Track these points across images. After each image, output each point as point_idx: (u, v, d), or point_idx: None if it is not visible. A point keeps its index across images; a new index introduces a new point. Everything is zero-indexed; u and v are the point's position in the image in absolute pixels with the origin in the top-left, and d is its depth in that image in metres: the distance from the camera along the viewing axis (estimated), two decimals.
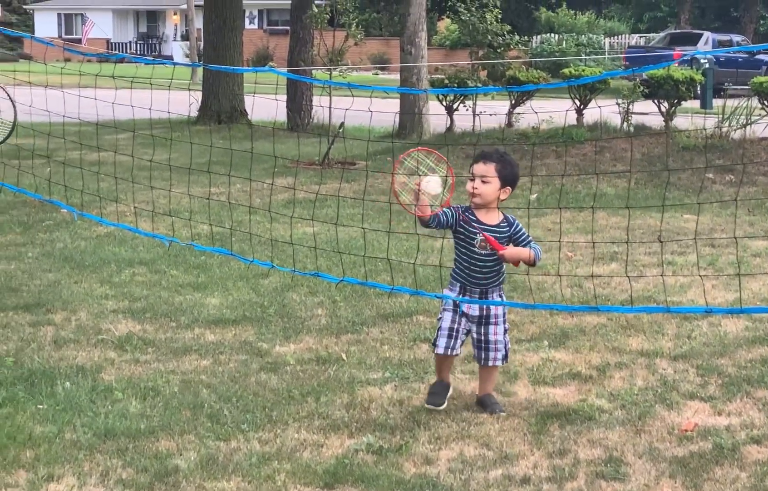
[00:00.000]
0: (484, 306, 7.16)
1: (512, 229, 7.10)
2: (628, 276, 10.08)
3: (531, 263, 7.11)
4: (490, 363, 7.21)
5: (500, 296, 7.26)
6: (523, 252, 7.05)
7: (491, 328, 7.18)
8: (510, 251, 7.05)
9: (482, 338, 7.19)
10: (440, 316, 7.29)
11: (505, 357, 7.29)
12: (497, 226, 7.08)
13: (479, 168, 7.06)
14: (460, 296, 7.15)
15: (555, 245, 11.11)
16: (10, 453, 6.29)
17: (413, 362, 8.20)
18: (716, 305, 9.71)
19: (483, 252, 7.07)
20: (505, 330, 7.28)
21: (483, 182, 7.03)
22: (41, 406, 7.07)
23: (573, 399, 7.42)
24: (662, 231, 12.83)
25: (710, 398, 7.42)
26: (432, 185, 6.99)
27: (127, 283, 10.62)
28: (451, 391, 7.34)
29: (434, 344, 7.24)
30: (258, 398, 7.35)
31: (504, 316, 7.26)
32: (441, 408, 7.15)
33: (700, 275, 10.26)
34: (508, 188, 7.08)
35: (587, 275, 10.60)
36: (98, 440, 6.54)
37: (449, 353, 7.18)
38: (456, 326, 7.17)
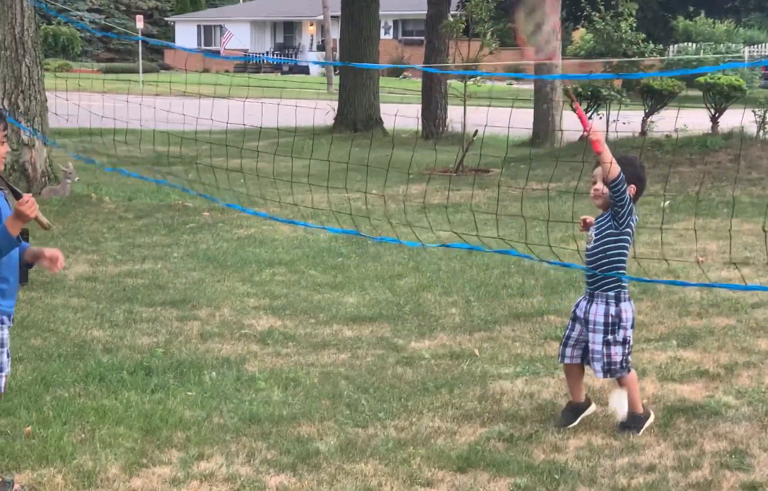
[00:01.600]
0: (586, 309, 6.97)
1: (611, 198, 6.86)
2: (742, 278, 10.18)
3: (608, 175, 6.70)
4: (596, 375, 7.02)
5: (606, 304, 6.88)
6: (605, 150, 6.70)
7: (590, 335, 6.96)
8: (594, 129, 6.81)
9: (589, 345, 7.02)
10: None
11: (608, 371, 6.92)
12: (599, 217, 6.99)
13: (599, 171, 6.88)
14: (586, 297, 7.03)
15: (686, 250, 11.26)
16: (163, 433, 6.72)
17: (544, 359, 8.46)
18: None
19: (589, 246, 7.02)
20: (607, 342, 6.87)
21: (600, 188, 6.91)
22: (190, 393, 7.51)
23: (700, 395, 7.61)
24: None
25: None
26: None
27: (268, 282, 11.06)
28: (591, 410, 7.16)
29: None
30: (394, 389, 7.69)
31: (608, 327, 6.87)
32: (568, 427, 6.98)
33: None
34: (632, 185, 6.87)
35: (718, 278, 10.73)
36: (243, 424, 6.95)
37: (561, 360, 7.15)
38: (570, 333, 7.09)
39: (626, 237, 6.92)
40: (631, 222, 6.88)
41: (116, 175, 16.84)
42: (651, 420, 6.99)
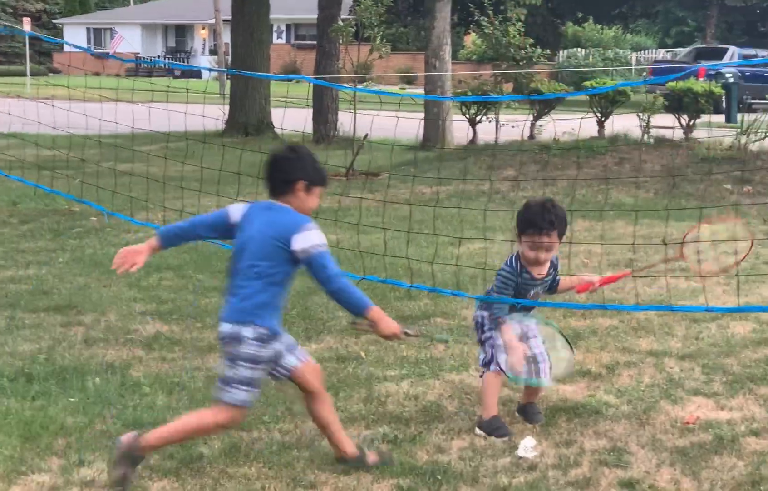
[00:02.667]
0: (525, 324, 7.11)
1: (556, 272, 7.23)
2: (633, 276, 10.35)
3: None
4: (549, 377, 7.09)
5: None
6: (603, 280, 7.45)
7: (533, 341, 7.10)
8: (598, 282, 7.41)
9: (530, 354, 7.07)
10: (487, 335, 7.13)
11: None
12: (546, 277, 7.13)
13: (545, 240, 6.90)
14: (524, 319, 7.13)
15: (572, 252, 11.39)
16: (43, 441, 6.65)
17: (429, 361, 8.53)
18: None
19: (533, 300, 7.23)
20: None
21: (548, 250, 6.98)
22: (72, 399, 7.43)
23: (582, 394, 7.74)
24: (675, 239, 13.08)
25: (714, 394, 7.72)
26: None
27: (155, 287, 10.98)
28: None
29: (489, 364, 7.08)
30: (279, 393, 7.67)
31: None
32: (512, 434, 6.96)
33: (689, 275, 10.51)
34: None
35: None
36: (127, 429, 6.85)
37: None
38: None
39: None
40: None
41: (0, 179, 16.54)
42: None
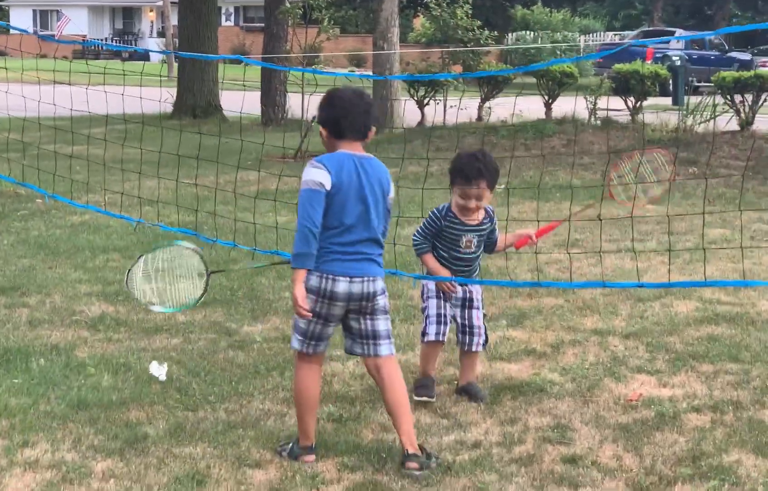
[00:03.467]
0: (468, 290, 7.32)
1: (492, 224, 7.30)
2: (569, 253, 10.42)
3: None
4: (474, 348, 7.31)
5: (480, 286, 7.45)
6: (540, 231, 7.51)
7: (474, 313, 7.32)
8: (535, 233, 7.45)
9: (466, 322, 7.33)
10: (425, 305, 7.37)
11: (485, 342, 7.42)
12: (480, 224, 7.23)
13: (473, 191, 7.03)
14: (456, 287, 7.28)
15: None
16: None
17: None
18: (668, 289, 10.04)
19: (469, 251, 7.26)
20: (484, 316, 7.44)
21: (479, 200, 7.08)
22: (16, 381, 7.38)
23: (526, 373, 7.79)
24: (623, 220, 13.18)
25: (657, 371, 7.81)
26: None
27: (101, 268, 10.93)
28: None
29: (423, 334, 7.31)
30: (225, 373, 7.69)
31: (483, 302, 7.46)
32: (433, 399, 7.17)
33: (634, 252, 10.60)
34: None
35: (547, 261, 10.99)
36: (71, 410, 6.87)
37: (441, 338, 7.27)
38: (443, 311, 7.29)
39: None
40: None
41: None
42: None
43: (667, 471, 6.05)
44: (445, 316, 7.29)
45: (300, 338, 6.26)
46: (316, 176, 6.06)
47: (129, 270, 7.14)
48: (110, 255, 11.52)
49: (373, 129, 6.25)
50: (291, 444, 6.27)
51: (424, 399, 7.14)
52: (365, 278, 6.14)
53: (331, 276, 6.08)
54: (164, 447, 6.34)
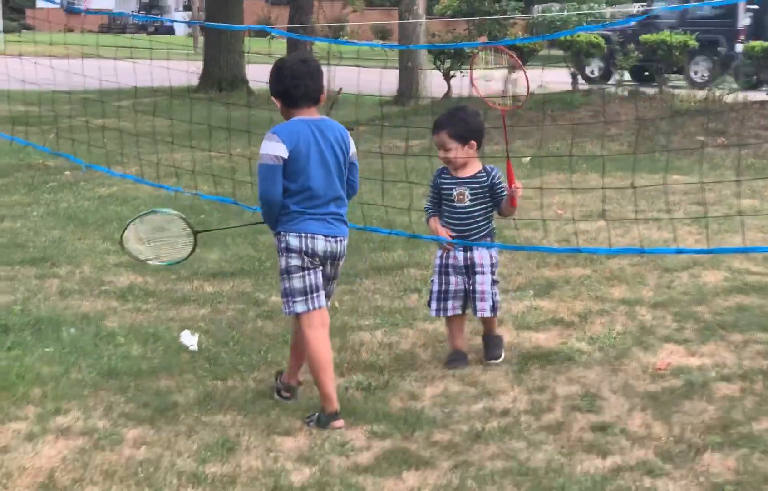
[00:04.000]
0: (469, 256, 7.37)
1: (490, 179, 7.32)
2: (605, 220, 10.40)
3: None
4: (478, 314, 7.38)
5: (488, 248, 7.42)
6: (518, 189, 7.27)
7: (478, 278, 7.34)
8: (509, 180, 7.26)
9: (470, 288, 7.38)
10: (432, 279, 7.53)
11: (493, 308, 7.39)
12: (473, 177, 7.31)
13: (436, 140, 7.37)
14: (460, 249, 7.36)
15: (546, 204, 11.45)
16: (19, 390, 6.66)
17: (403, 310, 8.57)
18: (697, 258, 10.01)
19: (461, 205, 7.33)
20: (493, 282, 7.40)
21: (446, 149, 7.31)
22: (48, 349, 7.43)
23: (554, 342, 7.80)
24: (651, 190, 13.14)
25: (685, 341, 7.79)
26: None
27: None
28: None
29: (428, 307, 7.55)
30: (254, 342, 7.73)
31: (492, 267, 7.38)
32: (459, 369, 7.24)
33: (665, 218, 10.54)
34: (472, 142, 7.28)
35: (575, 230, 10.97)
36: (102, 379, 6.92)
37: (441, 314, 7.41)
38: (444, 287, 7.38)
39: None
40: None
41: None
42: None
43: (696, 439, 6.04)
44: (448, 291, 7.36)
45: (301, 298, 6.35)
46: (272, 149, 6.25)
47: (122, 236, 7.27)
48: None
49: (324, 92, 6.48)
50: (317, 415, 6.31)
51: (455, 369, 7.24)
52: (338, 238, 6.46)
53: (310, 235, 6.34)
54: (194, 415, 6.37)
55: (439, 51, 25.12)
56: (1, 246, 10.53)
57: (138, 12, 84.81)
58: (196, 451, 5.86)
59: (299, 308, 6.34)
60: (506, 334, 7.87)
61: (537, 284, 9.30)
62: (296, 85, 6.33)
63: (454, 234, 7.36)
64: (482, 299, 7.33)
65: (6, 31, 53.00)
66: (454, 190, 7.33)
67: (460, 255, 7.37)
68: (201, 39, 38.79)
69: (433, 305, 7.43)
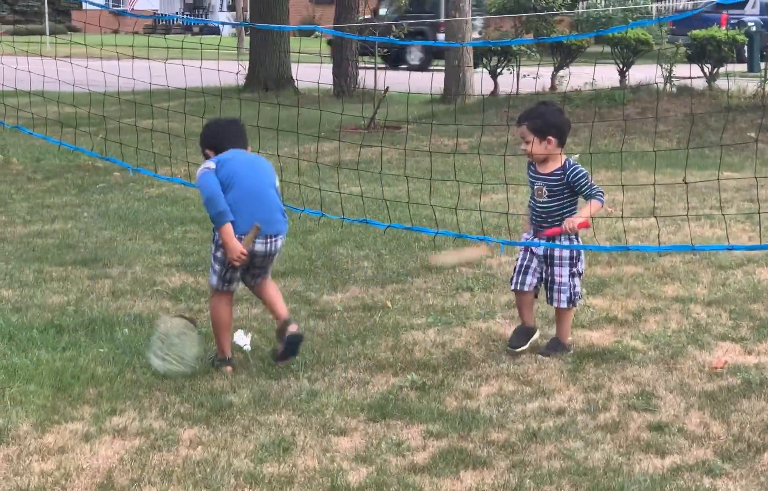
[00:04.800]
0: (547, 249, 7.50)
1: (567, 176, 7.37)
2: (656, 219, 10.32)
3: (593, 215, 7.57)
4: (555, 304, 7.53)
5: (569, 241, 7.49)
6: (576, 220, 7.37)
7: (556, 269, 7.48)
8: (566, 224, 7.37)
9: (548, 278, 7.55)
10: (517, 256, 7.75)
11: (571, 300, 7.51)
12: (550, 174, 7.42)
13: (518, 132, 7.57)
14: (533, 238, 7.56)
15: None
16: (75, 390, 6.69)
17: (455, 309, 8.55)
18: (751, 255, 9.93)
19: (541, 200, 7.47)
20: (572, 274, 7.49)
21: (526, 142, 7.46)
22: (102, 350, 7.47)
23: (608, 340, 7.76)
24: (702, 187, 13.05)
25: (741, 339, 7.73)
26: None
27: (180, 240, 11.02)
28: (536, 336, 7.63)
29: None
30: (307, 341, 7.70)
31: (573, 260, 7.49)
32: (518, 349, 7.46)
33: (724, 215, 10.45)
34: (550, 137, 7.38)
35: (626, 228, 10.91)
36: (157, 379, 6.93)
37: (517, 287, 7.56)
38: (527, 263, 7.56)
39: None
40: None
41: (24, 137, 16.56)
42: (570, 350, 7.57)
43: (756, 438, 5.98)
44: (527, 267, 7.55)
45: (217, 279, 7.22)
46: (207, 164, 7.17)
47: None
48: (188, 226, 11.61)
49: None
50: (213, 358, 7.22)
51: (509, 349, 7.51)
52: (277, 238, 7.22)
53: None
54: (249, 414, 6.38)
55: (485, 48, 25.05)
56: (52, 247, 10.59)
57: (183, 12, 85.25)
58: (252, 451, 5.87)
59: (213, 281, 7.31)
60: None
61: (589, 283, 9.24)
62: (228, 139, 7.45)
63: (536, 223, 7.56)
64: (559, 290, 7.50)
65: (52, 33, 53.38)
66: (535, 184, 7.49)
67: (541, 248, 7.53)
68: (246, 39, 38.88)
69: (514, 278, 7.61)
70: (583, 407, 6.51)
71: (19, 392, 6.62)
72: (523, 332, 7.57)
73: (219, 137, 7.48)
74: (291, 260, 10.12)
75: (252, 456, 5.81)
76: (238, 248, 6.97)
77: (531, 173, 7.55)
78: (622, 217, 10.39)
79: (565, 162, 7.46)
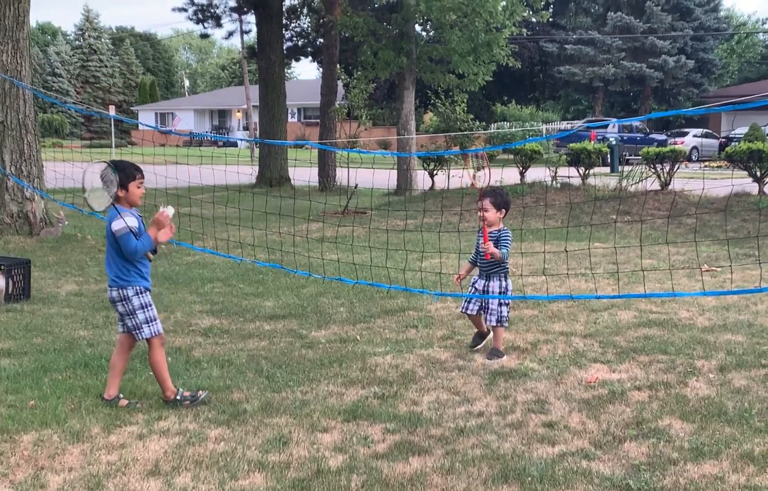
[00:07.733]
0: (485, 284, 7.89)
1: (498, 235, 7.79)
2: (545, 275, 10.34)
3: (499, 259, 7.77)
4: (488, 323, 7.88)
5: (499, 281, 7.85)
6: (490, 248, 7.69)
7: (489, 301, 7.84)
8: (488, 247, 7.67)
9: (486, 305, 7.89)
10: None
11: (499, 321, 7.83)
12: (490, 234, 7.75)
13: (482, 203, 7.76)
14: (479, 278, 7.93)
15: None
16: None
17: (405, 341, 8.50)
18: (614, 302, 9.97)
19: (483, 253, 7.79)
20: (500, 303, 7.82)
21: (485, 210, 7.72)
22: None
23: (514, 363, 7.72)
24: (578, 254, 13.10)
25: (608, 361, 7.72)
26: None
27: (209, 293, 10.94)
28: (485, 341, 8.08)
29: None
30: (300, 365, 7.66)
31: (500, 293, 7.81)
32: (475, 348, 8.03)
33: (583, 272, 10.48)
34: (503, 210, 7.83)
35: (525, 283, 10.93)
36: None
37: (463, 311, 8.04)
38: (473, 295, 7.91)
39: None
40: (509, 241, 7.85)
41: (97, 219, 16.41)
42: (504, 358, 7.78)
43: (618, 432, 5.97)
44: (471, 300, 7.93)
45: (155, 324, 6.67)
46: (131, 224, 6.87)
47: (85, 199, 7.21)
48: (215, 284, 11.53)
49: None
50: (191, 395, 6.63)
51: (470, 348, 8.05)
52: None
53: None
54: (258, 418, 6.31)
55: (425, 157, 25.15)
56: None
57: (211, 131, 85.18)
58: (260, 445, 5.79)
59: (159, 328, 6.71)
60: (479, 358, 7.83)
61: None
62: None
63: (481, 269, 7.93)
64: (491, 314, 7.85)
65: (117, 146, 53.18)
66: (481, 237, 7.80)
67: (481, 283, 7.90)
68: (257, 150, 38.82)
69: (464, 304, 8.00)
70: (496, 410, 6.47)
71: (92, 405, 6.53)
72: (479, 336, 8.11)
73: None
74: (288, 307, 10.07)
75: (260, 449, 5.73)
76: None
77: (479, 235, 7.85)
78: (521, 275, 10.40)
79: (502, 227, 7.86)
